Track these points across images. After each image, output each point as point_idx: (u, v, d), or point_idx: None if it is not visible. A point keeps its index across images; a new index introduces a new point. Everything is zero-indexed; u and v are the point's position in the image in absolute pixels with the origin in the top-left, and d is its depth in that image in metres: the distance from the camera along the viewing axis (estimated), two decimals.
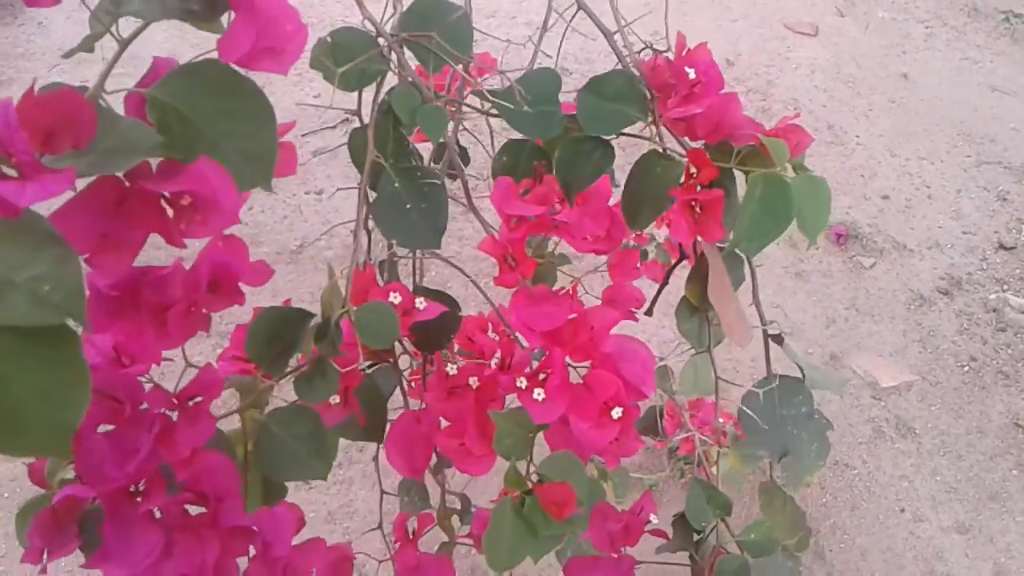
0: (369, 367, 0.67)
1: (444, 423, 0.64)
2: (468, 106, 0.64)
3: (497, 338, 0.72)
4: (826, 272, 2.05)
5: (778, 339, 0.75)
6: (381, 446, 0.67)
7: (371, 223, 0.63)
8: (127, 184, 0.38)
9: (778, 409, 0.71)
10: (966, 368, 1.86)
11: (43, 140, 0.34)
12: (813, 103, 2.55)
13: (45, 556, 0.49)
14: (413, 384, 0.73)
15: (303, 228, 2.10)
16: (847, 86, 2.60)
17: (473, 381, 0.62)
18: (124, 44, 0.43)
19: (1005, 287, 2.04)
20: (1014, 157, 2.36)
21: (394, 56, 0.59)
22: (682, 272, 0.72)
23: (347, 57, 0.56)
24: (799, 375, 0.71)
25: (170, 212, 0.39)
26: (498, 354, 0.68)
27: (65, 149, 0.35)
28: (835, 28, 2.75)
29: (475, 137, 0.86)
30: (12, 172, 0.33)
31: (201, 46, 0.44)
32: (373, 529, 0.76)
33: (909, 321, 1.95)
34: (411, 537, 0.68)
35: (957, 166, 2.34)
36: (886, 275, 2.05)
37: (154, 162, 0.40)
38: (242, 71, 0.43)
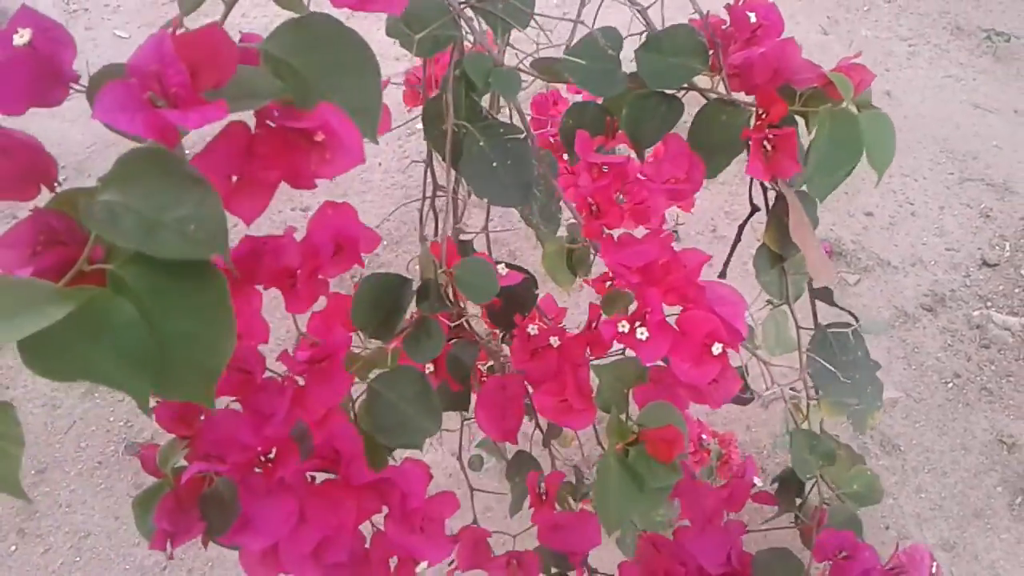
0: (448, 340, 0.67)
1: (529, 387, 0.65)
2: (528, 72, 0.65)
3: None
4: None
5: (827, 295, 0.76)
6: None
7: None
8: (253, 132, 0.39)
9: (838, 356, 0.72)
10: (950, 385, 1.85)
11: (191, 75, 0.34)
12: None
13: (170, 544, 0.49)
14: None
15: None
16: None
17: (554, 340, 0.63)
18: (230, 5, 0.44)
19: (988, 304, 2.03)
20: (996, 174, 2.35)
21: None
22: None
23: (421, 25, 0.58)
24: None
25: (302, 151, 0.39)
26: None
27: (207, 87, 0.35)
28: (819, 46, 2.76)
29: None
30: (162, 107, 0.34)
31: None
32: (468, 526, 0.75)
33: (893, 338, 1.93)
34: (544, 498, 0.67)
35: (940, 183, 2.33)
36: (870, 292, 2.03)
37: None
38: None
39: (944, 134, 2.48)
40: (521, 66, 0.67)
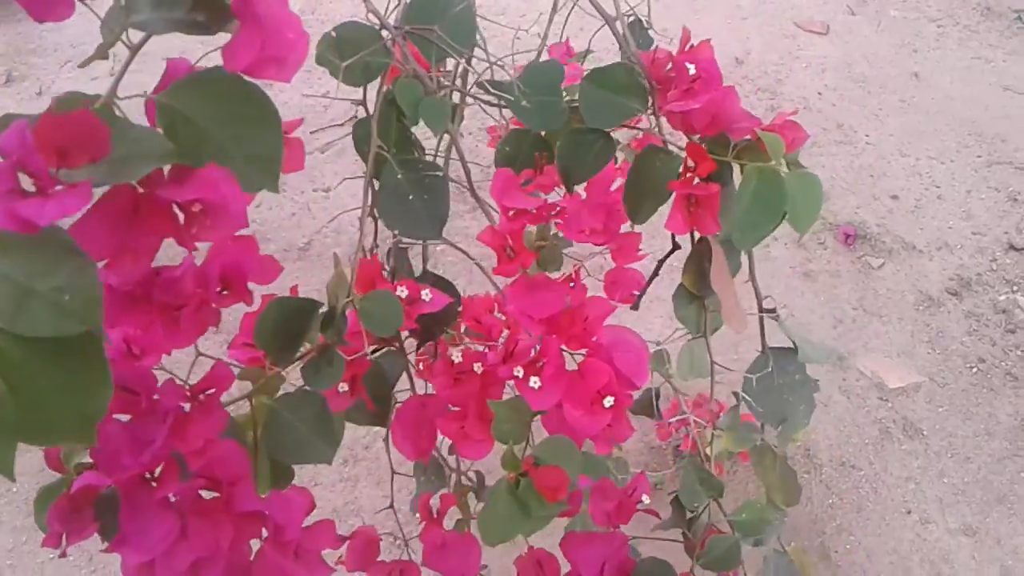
0: (375, 351, 0.69)
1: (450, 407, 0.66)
2: (473, 97, 0.65)
3: (503, 318, 0.74)
4: (834, 272, 2.02)
5: (773, 314, 0.77)
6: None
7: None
8: (140, 191, 0.40)
9: (775, 379, 0.74)
10: (975, 369, 1.84)
11: (60, 157, 0.35)
12: (823, 102, 2.51)
13: (64, 540, 0.52)
14: (420, 366, 0.75)
15: (311, 225, 2.10)
16: (857, 85, 2.55)
17: (477, 367, 0.64)
18: (134, 51, 0.45)
19: (1015, 288, 2.01)
20: None
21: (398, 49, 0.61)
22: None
23: (352, 51, 0.58)
24: (791, 347, 0.74)
25: (182, 218, 0.41)
26: (504, 334, 0.70)
27: (81, 164, 0.36)
28: (846, 26, 2.71)
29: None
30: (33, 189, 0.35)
31: (210, 42, 0.45)
32: (386, 508, 0.78)
33: (917, 322, 1.92)
34: (435, 516, 0.70)
35: (967, 166, 2.30)
36: (894, 275, 2.03)
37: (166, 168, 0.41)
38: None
39: (972, 116, 2.43)
40: (468, 88, 0.67)
